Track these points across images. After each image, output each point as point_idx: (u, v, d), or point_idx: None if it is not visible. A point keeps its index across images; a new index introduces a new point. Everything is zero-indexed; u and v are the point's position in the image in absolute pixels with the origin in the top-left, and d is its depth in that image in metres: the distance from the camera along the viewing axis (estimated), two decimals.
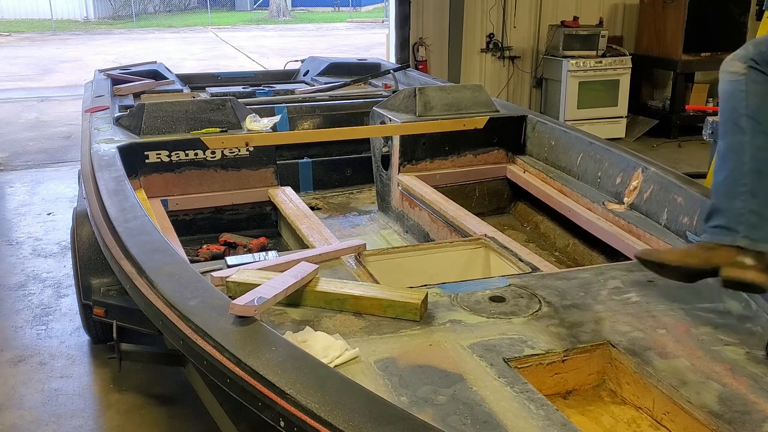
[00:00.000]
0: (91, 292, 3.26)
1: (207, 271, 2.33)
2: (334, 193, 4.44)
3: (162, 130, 3.52)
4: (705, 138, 4.64)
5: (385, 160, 4.10)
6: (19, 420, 3.11)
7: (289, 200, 3.42)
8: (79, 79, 12.20)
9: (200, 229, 3.51)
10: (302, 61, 6.31)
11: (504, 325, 2.02)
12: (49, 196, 6.32)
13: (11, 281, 4.54)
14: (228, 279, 2.17)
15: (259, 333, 1.68)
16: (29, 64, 17.13)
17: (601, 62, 7.98)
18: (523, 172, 3.81)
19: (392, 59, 7.98)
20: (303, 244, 2.90)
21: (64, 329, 3.90)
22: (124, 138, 3.45)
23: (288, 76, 6.18)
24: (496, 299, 2.17)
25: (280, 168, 3.76)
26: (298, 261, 2.29)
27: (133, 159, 3.31)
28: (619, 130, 8.18)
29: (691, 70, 8.25)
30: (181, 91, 4.80)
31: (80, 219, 3.38)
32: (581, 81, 7.95)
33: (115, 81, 5.02)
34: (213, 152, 3.48)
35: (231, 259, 2.44)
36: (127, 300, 2.84)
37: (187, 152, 3.44)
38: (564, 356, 1.90)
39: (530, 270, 2.54)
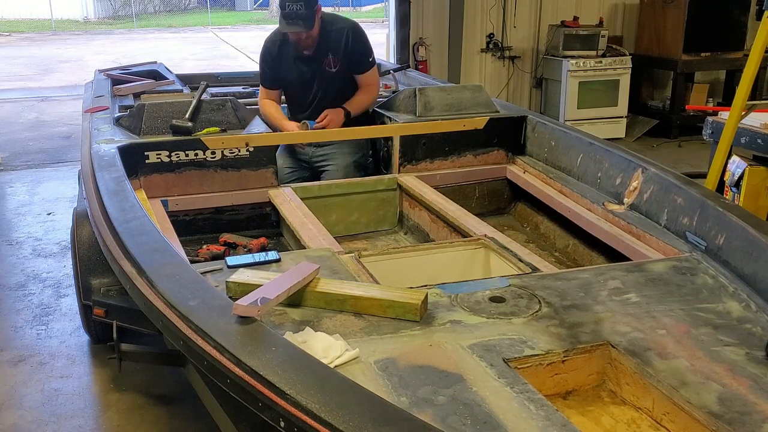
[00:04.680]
0: (91, 292, 3.25)
1: (207, 272, 2.33)
2: None
3: (162, 130, 3.53)
4: (705, 138, 4.65)
5: (385, 161, 4.10)
6: (19, 420, 3.12)
7: (288, 201, 3.42)
8: (79, 79, 12.22)
9: (200, 230, 3.51)
10: None
11: (504, 325, 2.02)
12: (49, 196, 6.32)
13: (11, 281, 4.54)
14: (228, 279, 2.17)
15: (260, 333, 1.68)
16: (29, 64, 17.14)
17: (601, 62, 7.98)
18: (523, 173, 3.81)
19: (392, 59, 7.98)
20: (302, 245, 2.90)
21: (64, 329, 3.91)
22: (124, 138, 3.45)
23: None
24: (496, 300, 2.17)
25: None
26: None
27: (133, 159, 3.31)
28: (619, 130, 8.19)
29: (691, 70, 8.25)
30: (181, 91, 4.79)
31: (80, 219, 3.38)
32: (581, 81, 7.95)
33: (115, 81, 5.02)
34: (213, 152, 3.48)
35: (231, 260, 2.43)
36: (127, 300, 2.84)
37: (187, 152, 3.44)
38: (564, 357, 1.90)
39: (530, 270, 2.54)
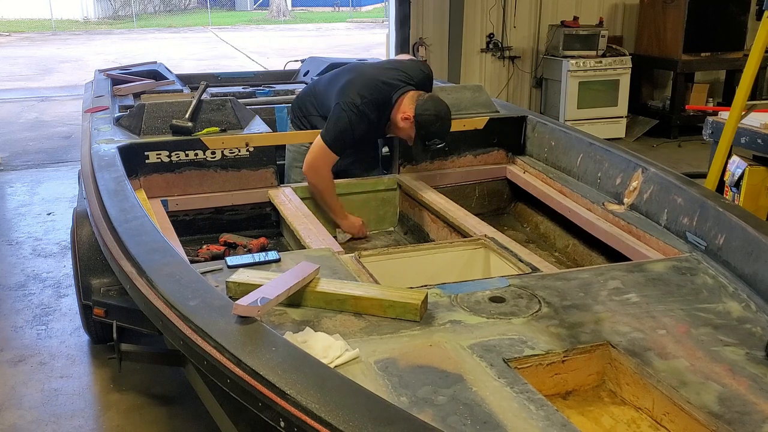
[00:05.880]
0: (91, 292, 3.26)
1: (207, 272, 2.33)
2: None
3: (162, 130, 3.53)
4: (705, 138, 4.65)
5: (385, 161, 4.10)
6: (19, 420, 3.12)
7: (288, 201, 3.42)
8: (79, 79, 12.22)
9: (200, 230, 3.51)
10: (302, 61, 6.30)
11: (504, 325, 2.02)
12: (49, 196, 6.32)
13: (11, 281, 4.54)
14: (228, 279, 2.17)
15: (260, 333, 1.68)
16: (29, 64, 17.14)
17: (601, 62, 7.98)
18: (523, 173, 3.81)
19: None
20: (302, 245, 2.90)
21: (64, 329, 3.91)
22: (124, 138, 3.45)
23: (288, 76, 6.17)
24: (496, 300, 2.17)
25: (280, 168, 3.76)
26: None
27: (133, 159, 3.31)
28: (619, 130, 8.19)
29: (691, 70, 8.26)
30: (181, 91, 4.79)
31: (80, 219, 3.38)
32: (581, 81, 7.95)
33: (115, 81, 5.02)
34: (213, 152, 3.48)
35: (231, 260, 2.43)
36: (127, 300, 2.84)
37: (187, 152, 3.44)
38: (564, 357, 1.90)
39: (530, 270, 2.54)
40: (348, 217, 3.58)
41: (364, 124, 3.49)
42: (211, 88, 5.05)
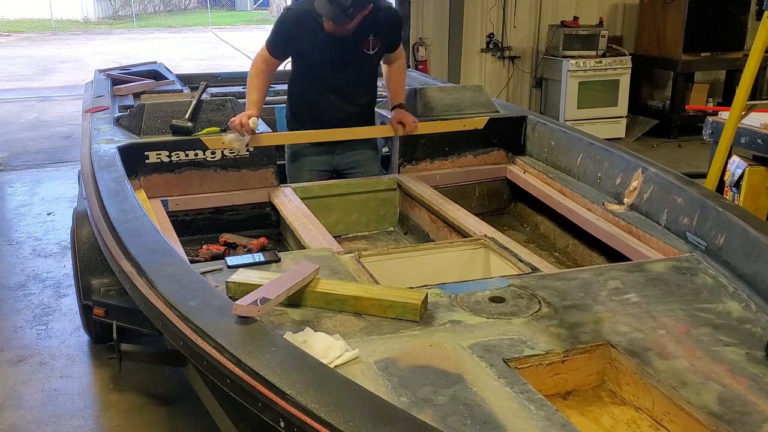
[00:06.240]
0: (91, 292, 3.26)
1: (207, 272, 2.33)
2: None
3: (162, 130, 3.53)
4: (705, 138, 4.65)
5: (385, 161, 4.10)
6: (19, 420, 3.12)
7: (288, 201, 3.42)
8: (79, 79, 12.22)
9: (200, 230, 3.51)
10: None
11: (504, 325, 2.02)
12: (49, 196, 6.32)
13: (11, 281, 4.54)
14: (228, 279, 2.17)
15: (259, 333, 1.68)
16: (29, 64, 17.14)
17: (601, 62, 7.98)
18: (523, 173, 3.81)
19: None
20: (302, 245, 2.90)
21: (64, 329, 3.91)
22: (124, 138, 3.45)
23: (288, 76, 6.16)
24: (496, 300, 2.17)
25: (280, 168, 3.76)
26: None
27: (133, 159, 3.31)
28: (619, 130, 8.19)
29: (691, 70, 8.26)
30: (181, 91, 4.79)
31: (80, 219, 3.38)
32: (581, 81, 7.95)
33: (115, 81, 5.02)
34: (213, 152, 3.48)
35: (231, 260, 2.43)
36: (127, 300, 2.84)
37: (187, 152, 3.44)
38: (564, 357, 1.90)
39: (530, 270, 2.54)
40: (247, 113, 3.45)
41: (295, 18, 3.51)
42: (211, 88, 5.04)
